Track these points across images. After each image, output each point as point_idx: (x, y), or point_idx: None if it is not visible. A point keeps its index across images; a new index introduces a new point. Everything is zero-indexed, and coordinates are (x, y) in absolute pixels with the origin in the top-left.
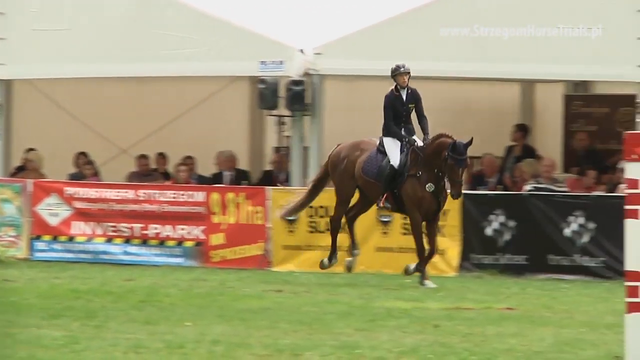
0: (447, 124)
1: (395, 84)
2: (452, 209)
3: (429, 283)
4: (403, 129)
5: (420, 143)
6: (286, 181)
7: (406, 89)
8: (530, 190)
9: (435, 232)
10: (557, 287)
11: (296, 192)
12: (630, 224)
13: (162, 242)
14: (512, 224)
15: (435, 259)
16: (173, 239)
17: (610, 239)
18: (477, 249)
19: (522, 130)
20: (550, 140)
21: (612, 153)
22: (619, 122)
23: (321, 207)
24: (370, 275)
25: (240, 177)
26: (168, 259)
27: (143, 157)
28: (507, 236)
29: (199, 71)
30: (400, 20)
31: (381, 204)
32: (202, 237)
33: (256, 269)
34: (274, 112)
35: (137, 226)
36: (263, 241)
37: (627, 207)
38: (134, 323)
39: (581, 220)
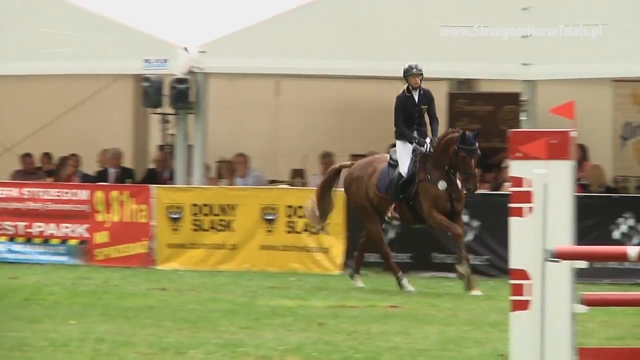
0: (334, 123)
1: (406, 84)
2: (337, 207)
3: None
4: (415, 132)
5: (428, 144)
6: (170, 179)
7: (418, 89)
8: None
9: (461, 225)
10: (441, 285)
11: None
12: (514, 222)
13: (46, 241)
14: (395, 222)
15: (320, 257)
16: (57, 237)
17: (494, 237)
18: None
19: None
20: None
21: (496, 151)
22: (503, 120)
23: (205, 205)
24: (254, 274)
25: (125, 175)
26: (52, 257)
27: (27, 155)
28: (391, 234)
29: (83, 69)
30: (285, 18)
31: (389, 214)
32: (86, 235)
33: (140, 267)
34: (158, 110)
35: (21, 224)
36: (147, 239)
37: (512, 205)
38: (19, 321)
39: (465, 218)
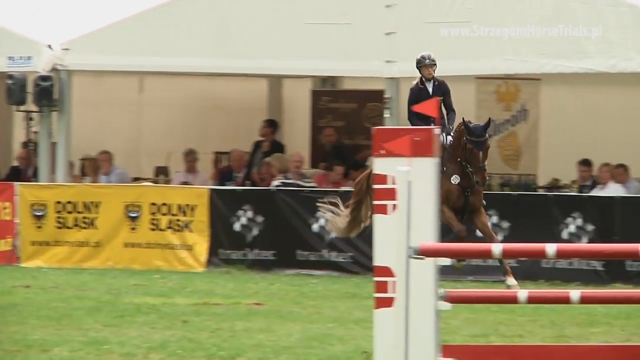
0: (197, 120)
1: (420, 76)
2: (201, 204)
3: (511, 280)
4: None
5: (444, 136)
6: (34, 177)
7: (432, 80)
8: (278, 186)
9: (484, 225)
10: (305, 283)
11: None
12: (378, 220)
13: None
14: (260, 219)
15: (184, 254)
16: None
17: (359, 234)
18: (225, 245)
19: (271, 125)
20: (298, 136)
21: (360, 148)
22: (367, 117)
23: (69, 202)
24: (118, 271)
25: None
26: None
27: None
28: (255, 232)
29: None
30: (148, 15)
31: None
32: None
33: (4, 265)
34: (22, 107)
35: None
36: (11, 237)
37: (376, 202)
38: None
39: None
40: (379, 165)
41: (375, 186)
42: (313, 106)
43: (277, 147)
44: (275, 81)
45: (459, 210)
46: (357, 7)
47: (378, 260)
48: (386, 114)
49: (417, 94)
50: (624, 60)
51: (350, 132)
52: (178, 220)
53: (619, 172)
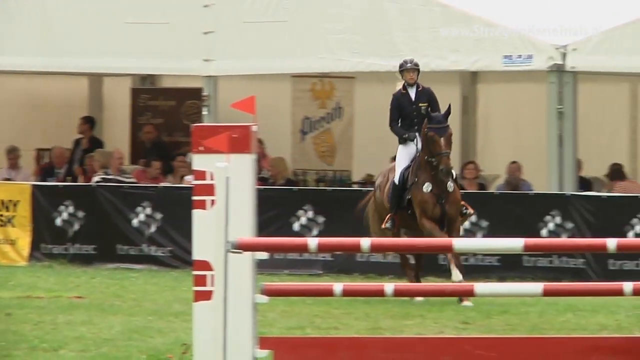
0: (18, 118)
1: (403, 81)
2: (23, 199)
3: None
4: (417, 133)
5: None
6: None
7: (415, 86)
8: (98, 182)
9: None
10: (126, 276)
11: None
12: (197, 215)
13: None
14: (81, 214)
15: (7, 248)
16: None
17: (177, 229)
18: (47, 239)
19: (89, 122)
20: (118, 133)
21: (179, 145)
22: (186, 115)
23: None
24: None
25: None
26: None
27: None
28: (76, 226)
29: None
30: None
31: (383, 225)
32: None
33: None
34: None
35: None
36: None
37: (195, 198)
38: None
39: (148, 210)
40: (198, 161)
41: (194, 182)
42: (133, 104)
43: (96, 144)
44: (96, 79)
45: (438, 220)
46: (176, 6)
47: (197, 255)
48: (204, 112)
49: (399, 100)
50: (436, 59)
51: (170, 129)
52: (1, 215)
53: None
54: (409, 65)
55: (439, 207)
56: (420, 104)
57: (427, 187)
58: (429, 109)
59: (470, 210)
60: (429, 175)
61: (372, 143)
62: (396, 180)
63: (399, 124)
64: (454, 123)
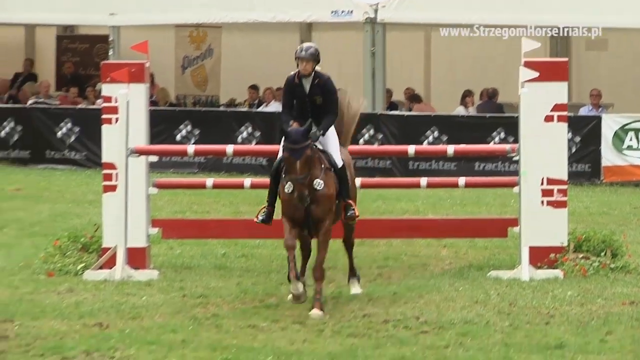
0: None
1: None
2: None
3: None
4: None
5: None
6: None
7: (311, 77)
8: (32, 104)
9: (321, 244)
10: (52, 174)
11: None
12: (105, 128)
13: None
14: (19, 128)
15: None
16: None
17: (90, 139)
18: None
19: (29, 62)
20: (46, 68)
21: (91, 77)
22: (97, 55)
23: None
24: None
25: None
26: None
27: None
28: (16, 137)
29: None
30: None
31: (254, 218)
32: None
33: None
34: None
35: None
36: None
37: (104, 116)
38: None
39: (69, 125)
40: (106, 89)
41: (103, 104)
42: (57, 47)
43: (32, 77)
44: (30, 29)
45: (301, 222)
46: None
47: (105, 158)
48: (110, 53)
49: (291, 87)
50: (280, 13)
51: (85, 66)
52: None
53: (279, 94)
54: (303, 54)
55: (300, 210)
56: (315, 97)
57: (289, 187)
58: (323, 100)
59: (356, 212)
60: None
61: (234, 75)
62: (272, 169)
63: (293, 110)
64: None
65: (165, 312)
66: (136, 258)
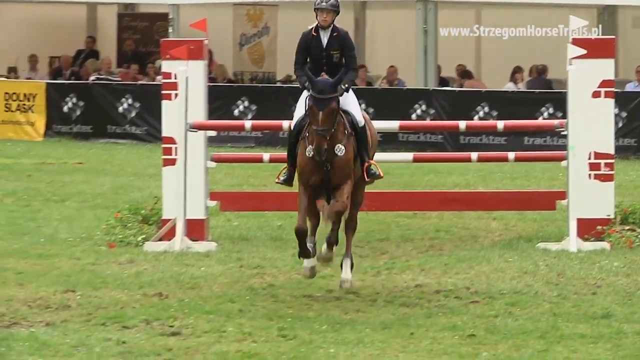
0: (37, 34)
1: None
2: (40, 93)
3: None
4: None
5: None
6: None
7: (329, 30)
8: (94, 80)
9: (333, 214)
10: (114, 148)
11: None
12: (165, 104)
13: None
14: (82, 103)
15: (28, 128)
16: None
17: (150, 114)
18: (57, 122)
19: (90, 38)
20: (108, 45)
21: (151, 54)
22: (156, 32)
23: None
24: None
25: None
26: None
27: None
28: (78, 112)
29: None
30: None
31: (276, 179)
32: None
33: None
34: None
35: None
36: None
37: (163, 92)
38: None
39: (130, 100)
40: (166, 66)
41: (163, 80)
42: (118, 25)
43: (94, 54)
44: (92, 7)
45: (317, 188)
46: None
47: (165, 132)
48: (170, 30)
49: (307, 42)
50: None
51: (145, 43)
52: (24, 104)
53: None
54: (323, 4)
55: (319, 174)
56: (332, 51)
57: (309, 151)
58: (341, 56)
59: (380, 172)
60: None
61: (290, 52)
62: (292, 127)
63: (307, 67)
64: None
65: (222, 283)
66: (195, 230)
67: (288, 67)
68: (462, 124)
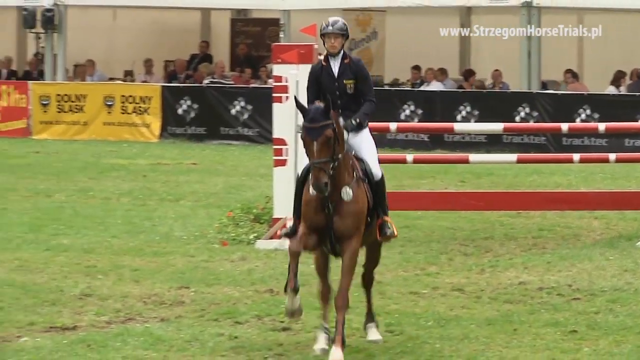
0: (153, 38)
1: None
2: (155, 96)
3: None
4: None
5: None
6: (41, 77)
7: (340, 57)
8: (207, 83)
9: (345, 268)
10: (226, 149)
11: None
12: (276, 106)
13: None
14: (195, 106)
15: (144, 130)
16: None
17: (262, 116)
18: (172, 123)
19: (204, 43)
20: (221, 50)
21: (263, 58)
22: (268, 37)
23: (66, 94)
24: (99, 142)
25: (12, 74)
26: None
27: None
28: (192, 114)
29: None
30: None
31: (278, 231)
32: None
33: (21, 137)
34: (34, 30)
35: None
36: (26, 118)
37: (274, 94)
38: None
39: (242, 103)
40: (277, 69)
41: (274, 84)
42: (231, 30)
43: (208, 58)
44: (205, 12)
45: (320, 232)
46: None
47: (276, 134)
48: (281, 35)
49: (317, 75)
50: None
51: (257, 47)
52: (140, 106)
53: (439, 74)
54: (330, 29)
55: (321, 217)
56: (345, 81)
57: (312, 189)
58: (355, 86)
59: (395, 231)
60: None
61: (397, 56)
62: (299, 173)
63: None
64: (453, 43)
65: (332, 279)
66: None
67: (395, 71)
68: (565, 126)
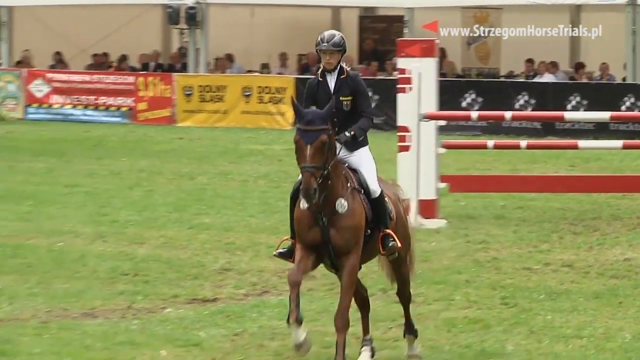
0: (288, 34)
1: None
2: (289, 86)
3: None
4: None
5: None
6: (184, 70)
7: (336, 72)
8: None
9: (344, 286)
10: None
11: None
12: (400, 97)
13: (107, 108)
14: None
15: (279, 118)
16: (114, 105)
17: (387, 106)
18: None
19: None
20: (350, 44)
21: (388, 52)
22: (394, 32)
23: (207, 85)
24: (238, 129)
25: (159, 67)
26: (111, 119)
27: (96, 55)
28: None
29: (134, 1)
30: None
31: (274, 252)
32: (133, 104)
33: (166, 125)
34: (178, 26)
35: (91, 97)
36: (171, 107)
37: (399, 86)
38: (90, 159)
39: (370, 93)
40: (401, 62)
41: (399, 76)
42: (360, 26)
43: None
44: (336, 10)
45: (318, 249)
46: None
47: (400, 122)
48: (405, 30)
49: (312, 90)
50: None
51: (383, 42)
52: (275, 96)
53: (551, 66)
54: (325, 45)
55: (316, 231)
56: (342, 98)
57: (303, 204)
58: (353, 104)
59: (397, 243)
60: (320, 187)
61: (512, 50)
62: (292, 190)
63: None
64: (564, 38)
65: (451, 256)
66: (427, 209)
67: (511, 64)
68: None
